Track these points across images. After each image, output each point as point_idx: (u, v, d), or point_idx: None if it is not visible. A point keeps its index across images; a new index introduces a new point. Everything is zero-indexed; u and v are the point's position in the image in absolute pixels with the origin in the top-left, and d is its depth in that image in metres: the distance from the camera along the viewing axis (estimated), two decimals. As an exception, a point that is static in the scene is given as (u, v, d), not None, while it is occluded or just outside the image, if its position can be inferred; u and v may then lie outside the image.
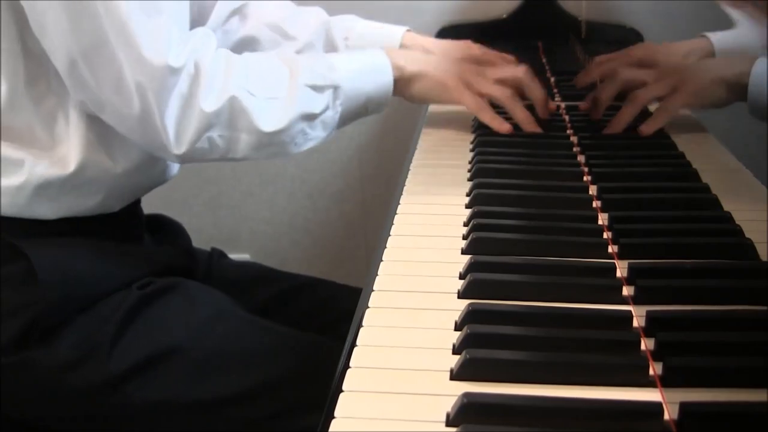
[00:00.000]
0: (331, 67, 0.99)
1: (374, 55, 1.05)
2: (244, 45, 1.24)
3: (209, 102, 0.90)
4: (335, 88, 0.98)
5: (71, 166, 0.97)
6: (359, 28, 1.25)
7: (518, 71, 1.14)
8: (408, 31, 1.26)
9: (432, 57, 1.12)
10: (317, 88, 0.96)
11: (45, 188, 0.97)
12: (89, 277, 0.98)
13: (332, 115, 0.98)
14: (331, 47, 1.24)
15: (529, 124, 1.12)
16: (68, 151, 0.97)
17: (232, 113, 0.92)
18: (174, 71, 0.88)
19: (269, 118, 0.93)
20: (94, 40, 0.87)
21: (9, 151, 0.96)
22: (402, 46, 1.25)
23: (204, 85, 0.90)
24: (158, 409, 0.96)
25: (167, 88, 0.88)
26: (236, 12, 1.23)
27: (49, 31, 0.89)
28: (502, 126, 1.11)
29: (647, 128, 1.10)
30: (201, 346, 0.98)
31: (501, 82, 1.12)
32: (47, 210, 0.98)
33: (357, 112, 1.03)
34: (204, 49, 0.92)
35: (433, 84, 1.08)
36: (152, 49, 0.87)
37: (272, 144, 0.95)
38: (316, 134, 0.98)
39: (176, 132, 0.90)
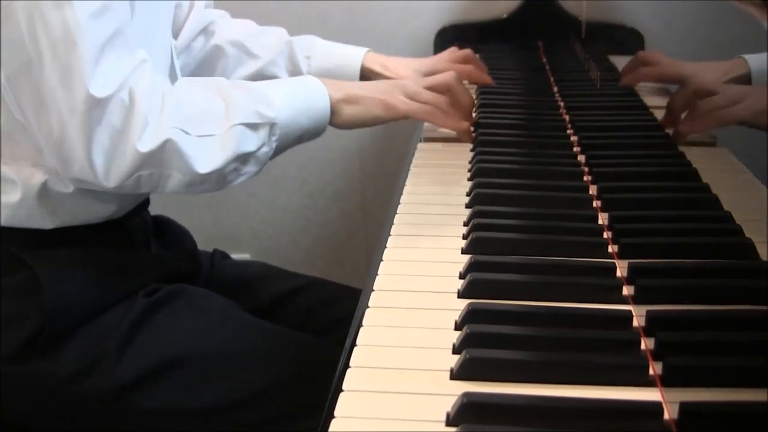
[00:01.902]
0: (268, 101, 0.95)
1: (310, 82, 1.02)
2: (211, 57, 1.26)
3: (144, 142, 0.88)
4: (271, 125, 0.95)
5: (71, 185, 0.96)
6: (319, 46, 1.28)
7: (447, 76, 1.12)
8: (368, 51, 1.29)
9: (360, 82, 1.08)
10: (253, 126, 0.94)
11: (44, 200, 0.95)
12: (94, 286, 0.98)
13: (266, 152, 0.96)
14: (293, 65, 1.26)
15: (468, 137, 1.12)
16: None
17: (165, 154, 0.89)
18: (98, 102, 0.86)
19: (204, 160, 0.91)
20: (19, 65, 0.86)
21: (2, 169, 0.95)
22: (363, 65, 1.28)
23: (138, 120, 0.87)
24: (163, 417, 0.96)
25: (91, 120, 0.86)
26: (202, 32, 1.25)
27: None
28: (460, 125, 1.11)
29: (688, 128, 1.09)
30: (205, 353, 0.98)
31: (432, 89, 1.10)
32: (48, 221, 0.97)
33: (291, 143, 1.01)
34: (138, 78, 0.89)
35: (368, 104, 1.04)
36: (72, 81, 0.85)
37: (204, 182, 0.93)
38: (249, 170, 0.96)
39: (106, 166, 0.88)
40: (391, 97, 1.05)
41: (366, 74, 1.29)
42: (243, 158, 0.94)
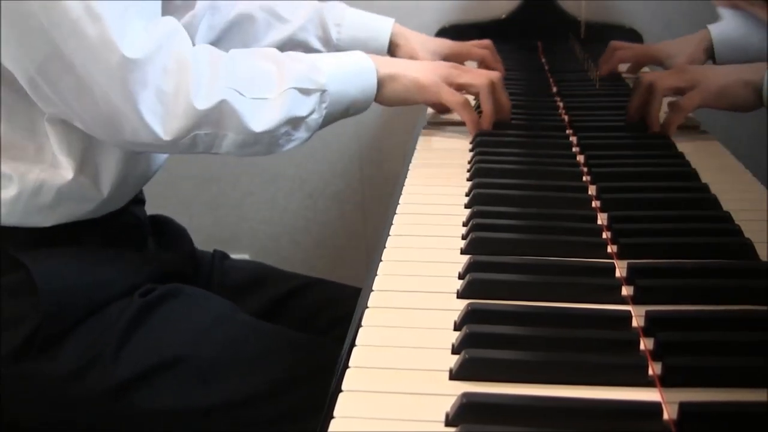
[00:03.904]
0: (318, 69, 0.98)
1: (358, 57, 1.04)
2: (240, 22, 1.25)
3: (200, 100, 0.89)
4: (322, 92, 0.97)
5: (69, 174, 0.96)
6: (350, 15, 1.29)
7: (492, 74, 1.15)
8: (395, 23, 1.33)
9: (405, 60, 1.11)
10: (305, 92, 0.96)
11: (40, 196, 0.96)
12: (90, 285, 0.98)
13: (316, 118, 0.98)
14: (323, 32, 1.28)
15: (488, 123, 1.13)
16: (58, 158, 0.96)
17: (222, 113, 0.91)
18: (135, 63, 0.86)
19: (259, 119, 0.93)
20: (46, 55, 0.86)
21: None
22: (392, 36, 1.31)
23: (190, 81, 0.88)
24: (160, 417, 0.96)
25: (133, 82, 0.86)
26: None
27: (3, 53, 0.88)
28: (475, 128, 1.12)
29: (668, 130, 1.11)
30: (202, 353, 0.98)
31: (469, 83, 1.13)
32: (45, 218, 0.97)
33: (339, 115, 1.02)
34: (177, 42, 0.89)
35: (408, 84, 1.07)
36: (105, 52, 0.85)
37: (257, 143, 0.94)
38: (299, 135, 0.98)
39: (162, 126, 0.89)
40: (430, 81, 1.08)
41: (391, 46, 1.33)
42: (294, 122, 0.96)
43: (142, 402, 0.95)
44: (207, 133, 0.91)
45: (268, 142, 0.95)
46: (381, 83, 1.05)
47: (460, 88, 1.12)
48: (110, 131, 0.90)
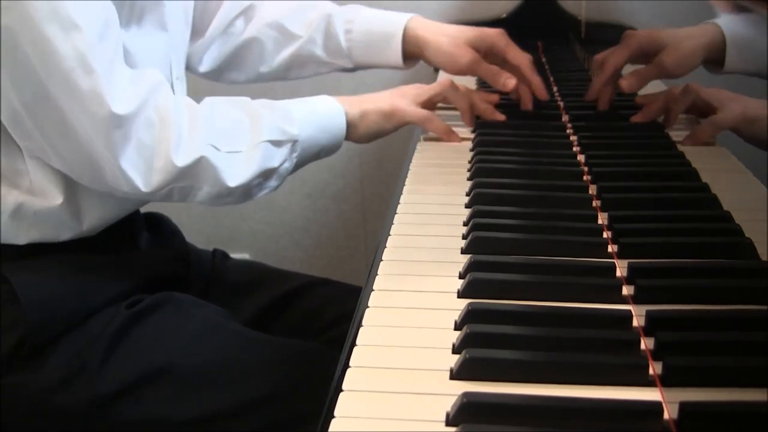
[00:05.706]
0: (290, 119, 0.98)
1: (328, 102, 1.04)
2: (248, 47, 1.24)
3: (180, 157, 0.90)
4: (293, 142, 0.98)
5: (50, 201, 0.95)
6: (361, 19, 1.22)
7: (441, 85, 1.14)
8: (414, 17, 1.22)
9: (372, 95, 1.10)
10: (277, 143, 0.97)
11: (18, 216, 0.95)
12: (74, 295, 0.97)
13: (288, 167, 0.99)
14: (332, 41, 1.22)
15: (468, 119, 1.16)
16: (36, 185, 0.95)
17: (199, 168, 0.92)
18: (122, 119, 0.87)
19: (233, 174, 0.94)
20: (34, 94, 0.86)
21: None
22: (406, 32, 1.20)
23: (171, 136, 0.90)
24: (149, 428, 0.95)
25: (118, 137, 0.87)
26: (242, 14, 1.23)
27: None
28: (450, 137, 1.13)
29: (694, 140, 1.11)
30: (192, 363, 0.97)
31: (432, 97, 1.13)
32: (24, 237, 0.97)
33: (309, 159, 1.03)
34: (160, 96, 0.90)
35: (377, 117, 1.07)
36: (94, 104, 0.86)
37: (231, 195, 0.96)
38: (270, 185, 0.99)
39: (142, 179, 0.90)
40: (394, 108, 1.08)
41: (413, 43, 1.21)
42: (267, 173, 0.97)
43: (128, 413, 0.95)
44: (183, 186, 0.93)
45: (242, 193, 0.96)
46: (353, 124, 1.05)
47: (430, 104, 1.13)
48: (90, 176, 0.92)
